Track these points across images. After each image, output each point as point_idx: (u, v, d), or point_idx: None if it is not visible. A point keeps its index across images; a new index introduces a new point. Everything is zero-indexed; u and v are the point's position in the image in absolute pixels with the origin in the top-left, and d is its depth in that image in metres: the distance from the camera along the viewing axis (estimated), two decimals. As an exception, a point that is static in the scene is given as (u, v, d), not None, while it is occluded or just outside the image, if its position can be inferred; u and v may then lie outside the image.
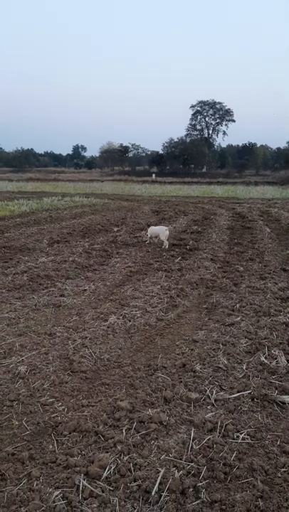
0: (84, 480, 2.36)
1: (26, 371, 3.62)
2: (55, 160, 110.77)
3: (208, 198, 26.21)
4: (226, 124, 78.95)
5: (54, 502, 2.20)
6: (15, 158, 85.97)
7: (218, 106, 77.92)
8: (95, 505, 2.19)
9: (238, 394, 3.31)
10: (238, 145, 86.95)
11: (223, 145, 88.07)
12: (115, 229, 11.98)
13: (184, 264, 7.76)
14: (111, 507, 2.19)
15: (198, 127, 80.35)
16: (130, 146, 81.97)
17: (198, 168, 72.70)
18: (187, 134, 79.02)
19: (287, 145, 75.28)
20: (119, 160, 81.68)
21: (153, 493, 2.26)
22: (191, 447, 2.66)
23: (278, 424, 2.98)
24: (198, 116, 79.47)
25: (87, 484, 2.33)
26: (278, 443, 2.75)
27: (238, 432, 2.84)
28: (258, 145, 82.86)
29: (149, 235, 9.85)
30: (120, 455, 2.57)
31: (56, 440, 2.77)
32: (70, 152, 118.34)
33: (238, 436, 2.79)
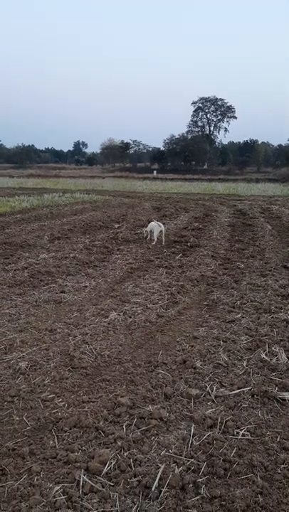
0: (84, 475, 2.36)
1: (27, 367, 3.63)
2: (56, 156, 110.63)
3: (209, 194, 26.15)
4: (227, 121, 78.62)
5: (54, 497, 2.21)
6: (16, 155, 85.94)
7: (219, 102, 77.54)
8: (95, 501, 2.20)
9: (239, 390, 3.32)
10: (239, 142, 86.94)
11: (225, 142, 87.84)
12: (116, 225, 11.97)
13: (184, 261, 7.76)
14: (111, 502, 2.20)
15: (200, 124, 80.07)
16: (131, 142, 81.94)
17: (199, 165, 72.48)
18: (188, 131, 78.76)
19: (288, 142, 75.05)
20: (120, 156, 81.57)
21: (153, 489, 2.27)
22: (191, 443, 2.67)
23: (278, 421, 2.98)
24: (200, 113, 79.15)
25: (87, 479, 2.34)
26: (278, 439, 2.75)
27: (238, 428, 2.85)
28: (260, 142, 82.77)
29: (148, 230, 9.84)
30: (120, 451, 2.58)
31: (57, 436, 2.78)
32: (71, 148, 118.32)
33: (238, 433, 2.79)
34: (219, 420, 2.90)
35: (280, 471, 2.44)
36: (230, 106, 77.59)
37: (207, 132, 79.35)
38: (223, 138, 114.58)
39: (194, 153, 70.18)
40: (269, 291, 5.83)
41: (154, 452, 2.58)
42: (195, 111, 78.96)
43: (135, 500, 2.22)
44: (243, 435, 2.77)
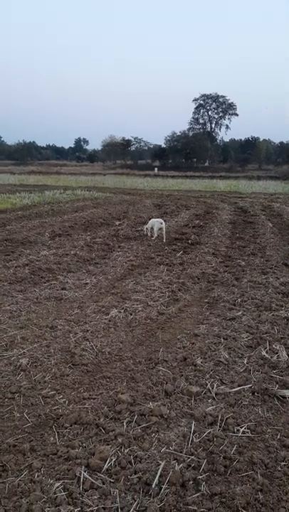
0: (85, 472, 2.37)
1: (28, 364, 3.63)
2: (57, 153, 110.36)
3: (210, 192, 26.11)
4: (228, 118, 78.37)
5: (55, 493, 2.22)
6: (17, 151, 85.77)
7: (221, 99, 77.29)
8: (95, 497, 2.21)
9: (239, 388, 3.32)
10: (240, 139, 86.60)
11: (226, 139, 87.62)
12: (117, 223, 11.96)
13: (185, 259, 7.76)
14: (111, 499, 2.20)
15: (201, 121, 79.82)
16: (132, 139, 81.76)
17: (200, 162, 72.41)
18: (190, 128, 78.56)
19: (290, 139, 74.80)
20: (121, 153, 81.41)
21: (153, 486, 2.27)
22: (192, 440, 2.67)
23: (278, 419, 2.98)
24: (201, 110, 78.88)
25: (87, 476, 2.34)
26: (278, 437, 2.75)
27: (239, 425, 2.85)
28: (261, 139, 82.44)
29: (149, 226, 9.82)
30: (121, 447, 2.58)
31: (57, 432, 2.78)
32: (72, 145, 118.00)
33: (238, 430, 2.80)
34: (220, 417, 2.91)
35: (280, 469, 2.45)
36: (232, 103, 77.43)
37: (208, 129, 79.14)
38: (224, 135, 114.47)
39: (195, 150, 70.05)
40: (270, 289, 5.83)
41: (155, 449, 2.58)
42: (196, 108, 78.79)
43: (135, 496, 2.23)
44: (244, 432, 2.78)
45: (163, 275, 6.55)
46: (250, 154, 74.71)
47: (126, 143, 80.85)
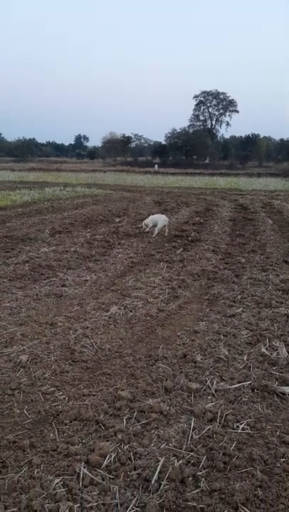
0: (84, 468, 2.37)
1: (27, 360, 3.63)
2: (57, 150, 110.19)
3: (210, 189, 26.06)
4: (229, 115, 77.97)
5: (55, 489, 2.22)
6: (17, 148, 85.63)
7: (221, 96, 76.94)
8: (95, 493, 2.21)
9: (239, 384, 3.32)
10: (241, 136, 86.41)
11: (226, 136, 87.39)
12: (117, 219, 11.95)
13: (185, 256, 7.75)
14: (111, 495, 2.21)
15: (202, 118, 79.49)
16: (133, 136, 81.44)
17: (200, 159, 72.16)
18: (190, 125, 78.20)
19: (290, 136, 74.60)
20: (121, 150, 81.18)
21: (153, 482, 2.28)
22: (191, 437, 2.67)
23: (278, 415, 2.99)
24: (202, 107, 78.56)
25: (87, 472, 2.35)
26: (278, 433, 2.76)
27: (238, 422, 2.86)
28: (261, 136, 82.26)
29: (151, 224, 9.75)
30: (120, 444, 2.59)
31: (57, 429, 2.79)
32: (72, 142, 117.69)
33: (237, 427, 2.80)
34: (219, 414, 2.91)
35: (279, 465, 2.45)
36: (232, 100, 77.07)
37: (209, 126, 78.86)
38: (224, 132, 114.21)
39: (196, 147, 69.83)
40: (270, 286, 5.83)
41: (154, 445, 2.59)
42: (197, 105, 78.46)
43: (135, 492, 2.23)
44: (243, 429, 2.78)
45: (163, 272, 6.55)
46: (250, 151, 74.58)
47: (126, 140, 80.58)
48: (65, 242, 8.59)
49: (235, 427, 2.80)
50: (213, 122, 79.16)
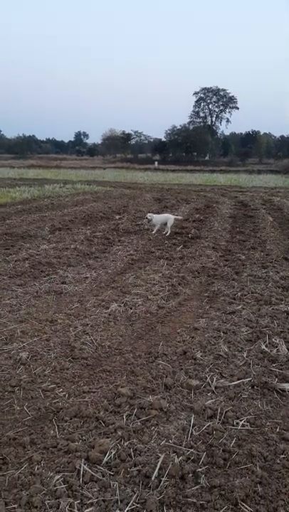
0: (84, 465, 2.38)
1: (28, 357, 3.64)
2: (56, 147, 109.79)
3: (210, 186, 26.02)
4: (229, 112, 77.85)
5: (55, 486, 2.23)
6: (16, 145, 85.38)
7: (221, 93, 76.73)
8: (95, 490, 2.22)
9: (239, 381, 3.33)
10: (241, 133, 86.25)
11: (227, 133, 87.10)
12: (117, 217, 11.93)
13: (185, 253, 7.74)
14: (111, 491, 2.21)
15: (202, 114, 79.30)
16: (133, 133, 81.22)
17: (200, 156, 72.02)
18: (190, 122, 78.01)
19: (291, 133, 74.39)
20: (121, 147, 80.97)
21: (153, 478, 2.28)
22: (191, 433, 2.68)
23: (278, 412, 2.99)
24: (202, 104, 78.33)
25: (87, 469, 2.35)
26: (277, 430, 2.76)
27: (238, 418, 2.86)
28: (262, 133, 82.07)
29: (158, 224, 9.63)
30: (121, 440, 2.59)
31: (57, 425, 2.79)
32: (72, 139, 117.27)
33: (237, 423, 2.81)
34: (219, 411, 2.91)
35: (279, 461, 2.46)
36: (232, 96, 76.87)
37: (209, 123, 78.66)
38: (225, 129, 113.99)
39: (196, 144, 69.63)
40: (270, 283, 5.83)
41: (154, 442, 2.59)
42: (197, 101, 78.21)
43: (135, 489, 2.24)
44: (243, 426, 2.79)
45: (163, 269, 6.54)
46: (250, 148, 74.36)
47: (126, 136, 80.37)
48: (65, 239, 8.59)
49: (235, 423, 2.81)
50: (213, 119, 79.09)
